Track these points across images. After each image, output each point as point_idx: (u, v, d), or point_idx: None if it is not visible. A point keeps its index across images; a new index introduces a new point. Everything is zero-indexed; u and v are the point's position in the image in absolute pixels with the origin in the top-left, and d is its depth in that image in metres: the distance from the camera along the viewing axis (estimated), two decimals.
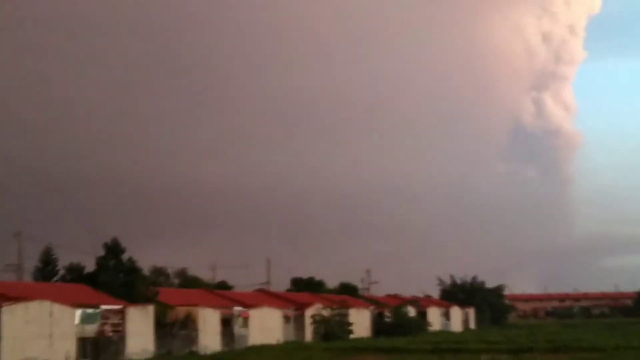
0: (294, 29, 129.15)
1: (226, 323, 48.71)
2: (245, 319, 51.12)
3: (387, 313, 72.75)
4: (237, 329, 49.94)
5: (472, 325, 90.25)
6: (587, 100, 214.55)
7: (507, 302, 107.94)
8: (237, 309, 51.35)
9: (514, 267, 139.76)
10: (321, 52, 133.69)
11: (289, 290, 74.64)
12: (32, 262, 51.50)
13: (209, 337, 45.56)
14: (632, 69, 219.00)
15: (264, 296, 62.84)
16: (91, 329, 37.37)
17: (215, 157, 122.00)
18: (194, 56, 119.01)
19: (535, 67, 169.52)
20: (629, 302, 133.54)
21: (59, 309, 34.44)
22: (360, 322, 66.06)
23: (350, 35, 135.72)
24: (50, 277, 49.25)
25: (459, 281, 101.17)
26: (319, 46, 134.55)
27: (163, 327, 42.29)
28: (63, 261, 49.96)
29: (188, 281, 66.98)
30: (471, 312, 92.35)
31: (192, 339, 44.31)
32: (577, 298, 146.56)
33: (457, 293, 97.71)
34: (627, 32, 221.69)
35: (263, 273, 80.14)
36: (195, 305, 46.57)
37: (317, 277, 79.88)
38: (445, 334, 70.73)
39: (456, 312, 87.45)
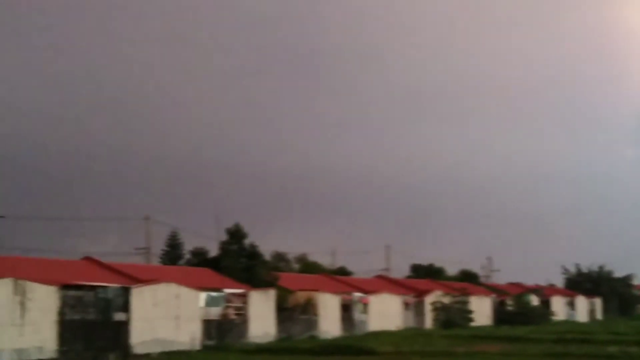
0: (429, 12, 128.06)
1: (346, 308, 49.03)
2: (365, 305, 51.30)
3: (508, 301, 71.38)
4: (357, 314, 50.17)
5: (598, 315, 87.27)
6: None
7: (636, 292, 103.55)
8: (357, 294, 51.56)
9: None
10: (457, 39, 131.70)
11: (408, 277, 74.36)
12: (159, 245, 53.60)
13: (329, 322, 45.99)
14: None
15: (384, 282, 62.86)
16: (215, 312, 38.41)
17: (340, 141, 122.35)
18: (325, 39, 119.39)
19: None
20: None
21: (185, 292, 35.57)
22: (481, 310, 65.08)
23: (478, 20, 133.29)
24: (176, 260, 50.99)
25: (584, 270, 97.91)
26: (453, 32, 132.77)
27: (283, 312, 43.02)
28: (188, 245, 51.66)
29: (308, 266, 67.73)
30: (598, 302, 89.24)
31: (312, 323, 44.86)
32: None
33: (583, 282, 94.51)
34: None
35: (382, 259, 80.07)
36: (316, 290, 47.09)
37: (437, 264, 79.22)
38: (570, 324, 68.67)
39: (582, 302, 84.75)
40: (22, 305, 27.66)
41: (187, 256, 50.72)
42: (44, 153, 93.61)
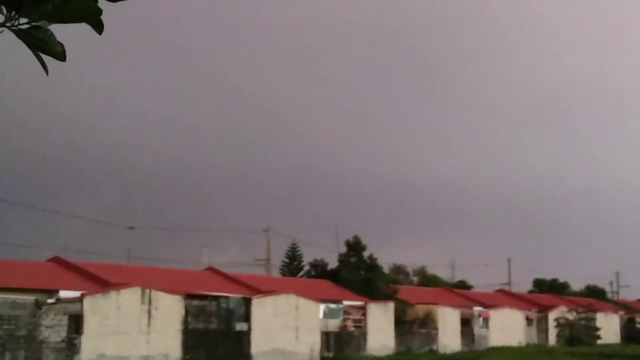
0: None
1: (465, 323, 48.20)
2: (486, 319, 50.27)
3: (638, 319, 68.29)
4: (477, 329, 49.23)
5: None
6: None
7: None
8: (477, 308, 50.61)
9: None
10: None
11: (530, 292, 72.40)
12: (279, 257, 54.39)
13: (449, 336, 45.33)
14: None
15: (505, 296, 61.42)
16: (334, 324, 38.56)
17: (462, 153, 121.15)
18: (441, 44, 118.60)
19: None
20: None
21: (304, 303, 35.89)
22: (608, 327, 62.50)
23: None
24: (295, 272, 51.65)
25: None
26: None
27: (402, 325, 42.71)
28: (307, 257, 52.22)
29: (427, 279, 67.11)
30: None
31: (432, 337, 44.35)
32: None
33: None
34: None
35: (504, 273, 78.32)
36: (435, 303, 46.54)
37: (561, 279, 76.82)
38: None
39: None
40: (149, 313, 28.65)
41: (306, 268, 51.29)
42: (172, 167, 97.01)
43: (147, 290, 28.84)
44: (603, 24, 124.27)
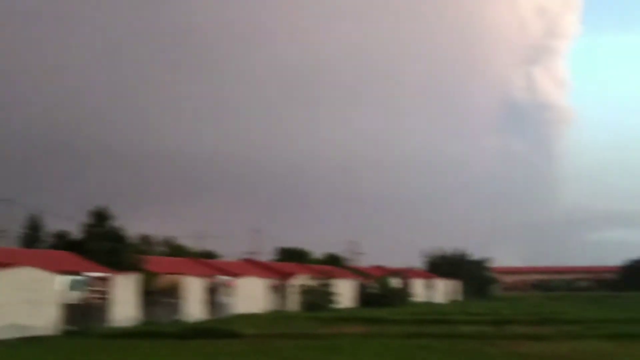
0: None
1: (211, 292, 49.06)
2: (230, 288, 51.48)
3: (371, 284, 73.33)
4: (222, 297, 50.30)
5: (457, 297, 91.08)
6: (581, 75, 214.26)
7: (492, 274, 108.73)
8: (222, 277, 51.68)
9: (501, 240, 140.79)
10: (312, 22, 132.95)
11: (275, 260, 75.06)
12: (19, 228, 51.68)
13: (193, 305, 45.89)
14: (628, 45, 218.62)
15: (250, 265, 63.22)
16: (77, 296, 37.59)
17: (204, 125, 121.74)
18: (185, 23, 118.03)
19: (527, 41, 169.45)
20: (613, 275, 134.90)
21: (44, 276, 34.58)
22: (345, 292, 66.62)
23: (336, 5, 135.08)
24: (36, 243, 49.41)
25: (444, 253, 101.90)
26: (309, 17, 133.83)
27: (148, 295, 42.57)
28: (51, 228, 50.15)
29: (175, 250, 67.22)
30: (456, 284, 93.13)
31: (177, 307, 44.64)
32: (562, 271, 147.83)
33: (442, 265, 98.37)
34: (624, 7, 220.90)
35: (250, 243, 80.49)
36: (181, 273, 46.86)
37: (304, 248, 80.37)
38: (429, 305, 71.43)
39: (440, 284, 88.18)
40: None
41: (50, 239, 49.28)
42: None
43: None
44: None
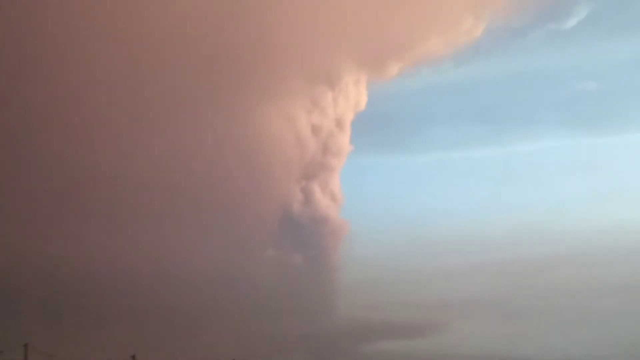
0: None
1: None
2: None
3: None
4: None
5: None
6: (353, 191, 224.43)
7: None
8: None
9: (279, 352, 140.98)
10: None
11: None
12: None
13: None
14: (392, 164, 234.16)
15: None
16: None
17: None
18: None
19: (305, 158, 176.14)
20: None
21: None
22: None
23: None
24: None
25: None
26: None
27: None
28: None
29: None
30: None
31: None
32: None
33: None
34: (389, 128, 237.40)
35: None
36: None
37: None
38: None
39: None
40: None
41: None
42: None
43: None
44: None
